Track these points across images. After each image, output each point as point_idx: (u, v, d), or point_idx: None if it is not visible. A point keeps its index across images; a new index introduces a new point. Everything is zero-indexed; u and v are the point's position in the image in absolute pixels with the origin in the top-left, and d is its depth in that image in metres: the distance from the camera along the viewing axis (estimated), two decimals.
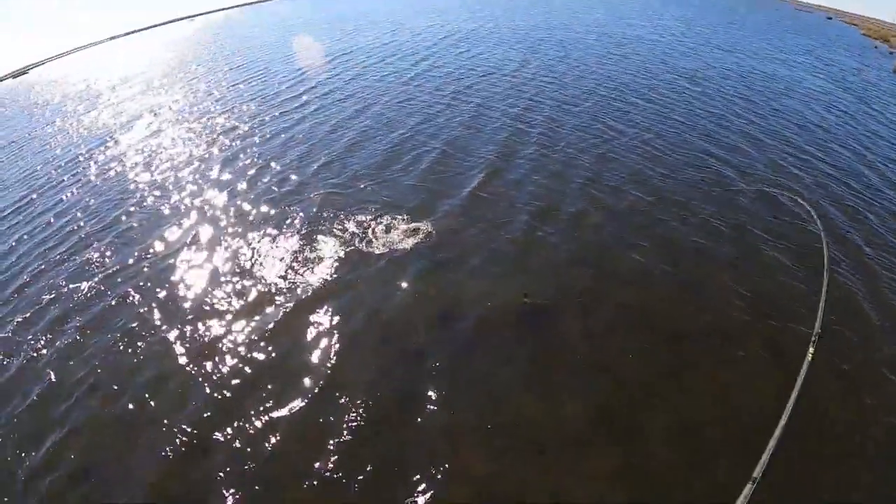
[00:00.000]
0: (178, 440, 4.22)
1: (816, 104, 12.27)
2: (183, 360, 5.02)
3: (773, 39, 21.19)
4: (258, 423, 4.30)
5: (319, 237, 6.60)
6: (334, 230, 6.72)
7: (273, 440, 4.15)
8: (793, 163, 8.96)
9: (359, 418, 4.26)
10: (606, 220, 6.80)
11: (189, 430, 4.30)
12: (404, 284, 5.70)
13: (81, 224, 7.88)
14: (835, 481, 3.83)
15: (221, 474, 3.92)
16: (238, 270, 6.20)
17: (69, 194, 9.00)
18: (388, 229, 6.64)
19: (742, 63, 15.60)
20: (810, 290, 5.56)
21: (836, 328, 5.10)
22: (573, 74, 13.27)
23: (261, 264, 6.27)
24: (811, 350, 2.06)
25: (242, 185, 8.36)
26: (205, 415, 4.40)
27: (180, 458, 4.09)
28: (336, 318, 5.28)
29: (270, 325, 5.27)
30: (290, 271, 6.03)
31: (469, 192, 7.45)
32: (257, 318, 5.44)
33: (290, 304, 5.52)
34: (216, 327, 5.36)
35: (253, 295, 5.75)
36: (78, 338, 5.47)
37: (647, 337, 4.93)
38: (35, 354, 5.35)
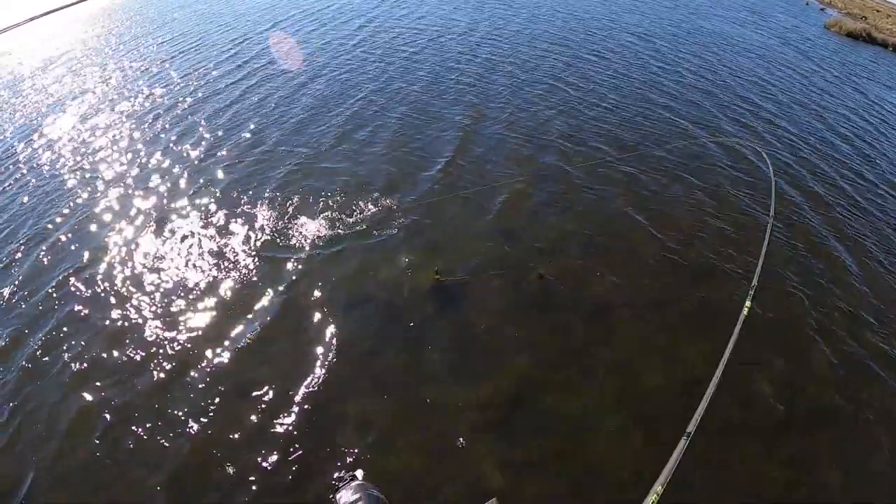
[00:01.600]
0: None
1: (761, 59, 12.72)
2: (150, 334, 4.87)
3: None
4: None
5: (276, 218, 6.20)
6: (293, 211, 6.32)
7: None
8: (742, 114, 9.42)
9: (278, 406, 4.16)
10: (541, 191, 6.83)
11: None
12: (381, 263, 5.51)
13: (15, 225, 7.04)
14: (764, 435, 4.12)
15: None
16: (187, 258, 5.79)
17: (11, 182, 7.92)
18: (353, 205, 6.32)
19: (687, 20, 15.80)
20: (752, 242, 5.96)
21: (776, 281, 5.48)
22: (525, 35, 13.01)
23: (203, 252, 5.83)
24: (748, 304, 2.10)
25: (192, 167, 7.62)
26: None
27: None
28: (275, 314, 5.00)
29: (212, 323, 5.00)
30: (233, 258, 5.67)
31: (441, 162, 7.21)
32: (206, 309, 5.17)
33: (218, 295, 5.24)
34: (182, 314, 5.07)
35: (198, 283, 5.40)
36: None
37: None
38: None
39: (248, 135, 8.42)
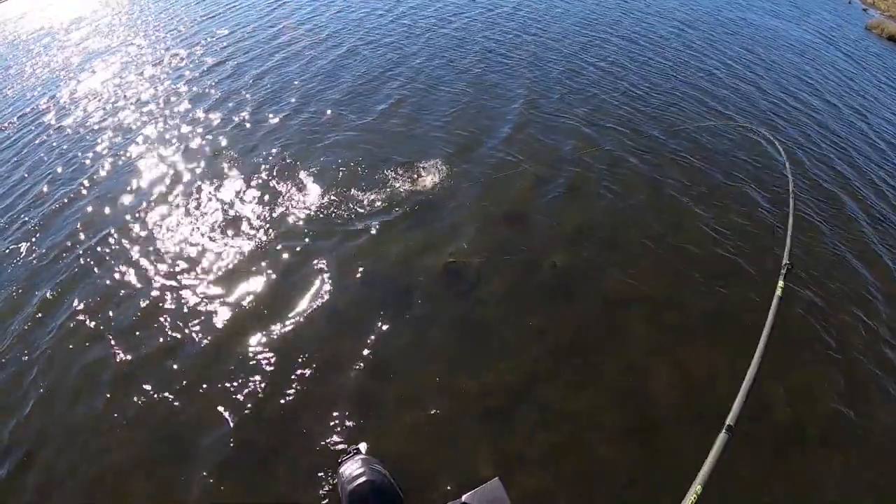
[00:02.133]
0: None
1: (802, 56, 12.22)
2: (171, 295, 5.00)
3: None
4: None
5: (308, 189, 6.23)
6: (327, 184, 6.32)
7: None
8: (776, 110, 9.06)
9: (280, 376, 4.21)
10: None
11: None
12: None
13: (53, 172, 7.14)
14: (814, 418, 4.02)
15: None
16: (203, 220, 5.91)
17: (34, 141, 8.08)
18: (383, 177, 6.31)
19: (728, 8, 15.12)
20: (777, 224, 5.85)
21: (805, 259, 5.34)
22: (554, 13, 12.57)
23: (217, 219, 5.91)
24: (781, 284, 1.94)
25: (217, 125, 7.74)
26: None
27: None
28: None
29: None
30: (245, 228, 5.72)
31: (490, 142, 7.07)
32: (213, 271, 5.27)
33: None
34: (205, 274, 5.21)
35: (214, 248, 5.52)
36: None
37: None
38: None
39: (292, 100, 8.37)
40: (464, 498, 2.18)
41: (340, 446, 3.64)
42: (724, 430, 1.34)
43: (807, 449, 3.94)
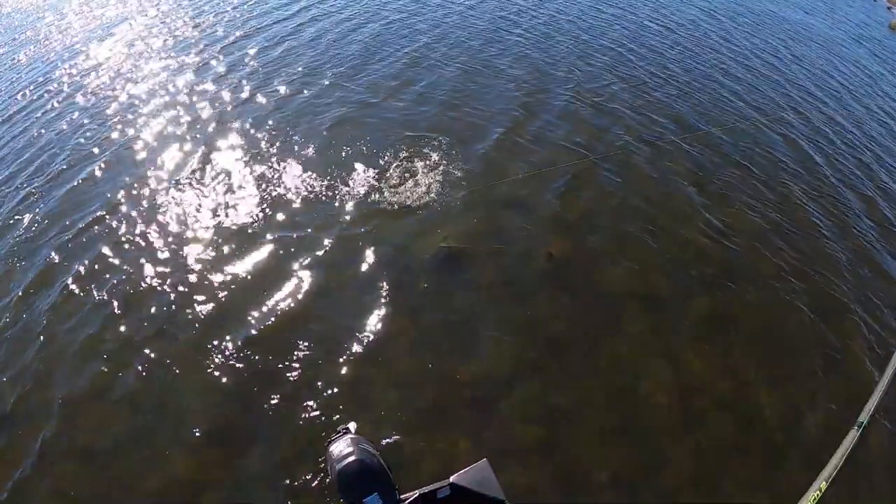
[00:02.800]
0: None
1: (826, 51, 11.92)
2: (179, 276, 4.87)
3: None
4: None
5: (312, 169, 6.01)
6: (328, 163, 6.10)
7: None
8: (802, 105, 8.81)
9: (271, 358, 4.13)
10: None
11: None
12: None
13: (62, 142, 6.81)
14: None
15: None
16: (203, 196, 5.73)
17: (52, 108, 7.67)
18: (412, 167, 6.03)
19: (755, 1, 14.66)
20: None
21: None
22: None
23: (214, 197, 5.71)
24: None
25: (237, 104, 7.40)
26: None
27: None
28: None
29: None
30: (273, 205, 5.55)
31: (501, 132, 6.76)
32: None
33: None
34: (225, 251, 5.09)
35: (211, 227, 5.38)
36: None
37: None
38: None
39: (300, 69, 8.14)
40: (452, 479, 2.24)
41: (328, 428, 3.53)
42: (854, 427, 1.05)
43: None
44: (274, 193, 5.64)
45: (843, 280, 5.18)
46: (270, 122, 6.82)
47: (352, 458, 2.10)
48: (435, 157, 6.13)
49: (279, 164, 6.04)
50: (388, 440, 3.54)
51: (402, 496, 2.18)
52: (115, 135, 6.80)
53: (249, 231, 5.19)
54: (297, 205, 5.51)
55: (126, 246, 5.10)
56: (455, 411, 3.83)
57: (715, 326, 4.62)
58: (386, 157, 6.11)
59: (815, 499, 0.92)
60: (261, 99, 7.42)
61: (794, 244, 5.58)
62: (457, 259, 4.93)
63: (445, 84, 7.80)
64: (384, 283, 4.69)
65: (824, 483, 0.92)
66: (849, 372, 3.97)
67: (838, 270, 5.32)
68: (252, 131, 6.65)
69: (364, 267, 4.86)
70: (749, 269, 5.22)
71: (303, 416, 3.74)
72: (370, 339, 4.24)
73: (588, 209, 5.70)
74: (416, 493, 2.22)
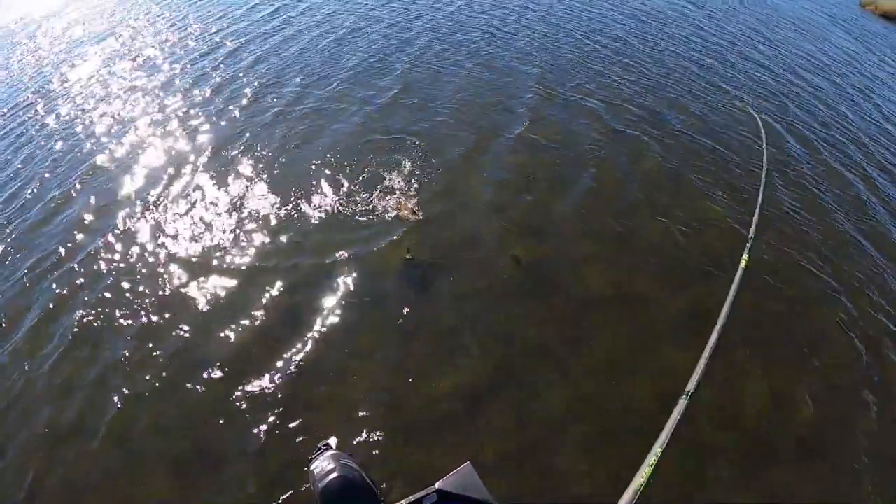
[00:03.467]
0: None
1: (804, 32, 12.00)
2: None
3: None
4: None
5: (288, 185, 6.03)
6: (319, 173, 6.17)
7: None
8: (780, 88, 8.85)
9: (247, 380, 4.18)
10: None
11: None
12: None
13: (48, 163, 6.99)
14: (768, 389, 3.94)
15: None
16: (182, 212, 5.80)
17: (23, 136, 7.80)
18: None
19: None
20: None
21: (772, 233, 5.19)
22: None
23: (192, 213, 5.78)
24: (745, 256, 1.89)
25: (221, 121, 7.44)
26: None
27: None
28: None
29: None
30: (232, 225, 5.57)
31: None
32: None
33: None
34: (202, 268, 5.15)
35: (180, 249, 5.42)
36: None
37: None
38: None
39: (270, 81, 8.21)
40: (437, 485, 2.14)
41: (312, 443, 3.52)
42: (683, 396, 1.28)
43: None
44: (244, 214, 5.67)
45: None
46: (241, 139, 6.80)
47: (333, 476, 2.01)
48: (403, 166, 6.14)
49: (249, 184, 6.06)
50: (370, 453, 3.59)
51: None
52: (84, 160, 6.86)
53: (219, 253, 5.22)
54: (266, 224, 5.54)
55: (97, 273, 5.15)
56: (435, 422, 3.84)
57: (691, 324, 4.49)
58: (353, 170, 6.10)
59: (652, 464, 1.11)
60: (232, 113, 7.42)
61: (774, 232, 5.58)
62: (423, 271, 4.92)
63: (415, 88, 7.85)
64: (353, 300, 4.70)
65: (659, 449, 1.11)
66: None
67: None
68: (223, 150, 6.65)
69: (331, 285, 4.86)
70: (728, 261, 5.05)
71: (278, 437, 3.77)
72: (342, 356, 4.26)
73: (554, 210, 5.67)
74: None
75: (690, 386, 1.34)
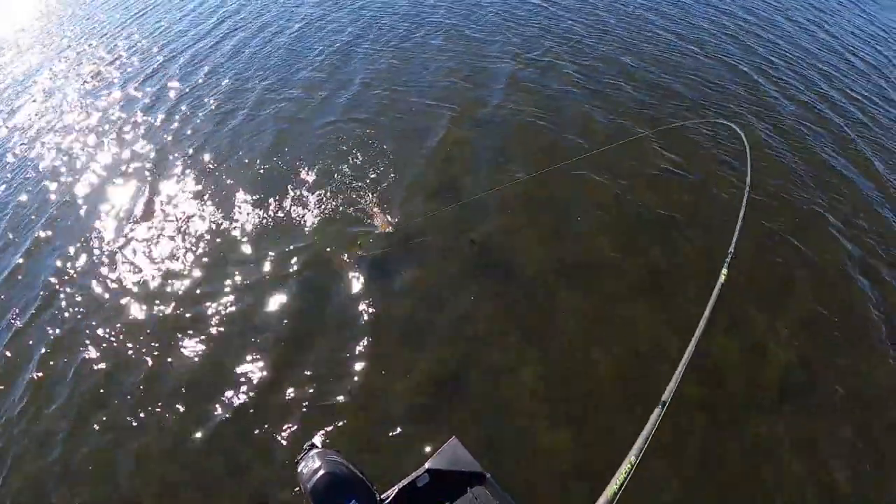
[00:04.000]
0: None
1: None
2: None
3: None
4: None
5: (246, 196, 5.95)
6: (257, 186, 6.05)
7: None
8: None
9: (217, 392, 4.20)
10: None
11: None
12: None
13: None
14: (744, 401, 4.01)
15: None
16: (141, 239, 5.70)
17: None
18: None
19: None
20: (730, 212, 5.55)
21: (752, 249, 5.13)
22: None
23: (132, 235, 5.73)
24: (724, 271, 2.01)
25: (171, 132, 7.31)
26: None
27: None
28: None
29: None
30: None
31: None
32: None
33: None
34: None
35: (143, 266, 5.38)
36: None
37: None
38: None
39: (226, 89, 8.03)
40: (427, 465, 2.20)
41: (297, 444, 3.54)
42: (659, 406, 1.40)
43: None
44: (209, 234, 5.58)
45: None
46: (201, 156, 6.66)
47: (321, 473, 2.02)
48: (362, 161, 6.10)
49: (211, 198, 5.95)
50: (355, 447, 3.62)
51: (381, 496, 2.10)
52: (40, 195, 6.66)
53: (186, 277, 5.16)
54: (232, 238, 5.48)
55: (70, 311, 5.06)
56: (415, 409, 3.89)
57: (653, 295, 4.60)
58: (316, 173, 6.02)
59: (626, 471, 1.21)
60: (190, 130, 7.26)
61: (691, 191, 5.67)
62: (377, 264, 4.92)
63: (378, 79, 7.78)
64: (314, 303, 4.70)
65: (634, 457, 1.20)
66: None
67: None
68: (185, 169, 6.51)
69: (290, 292, 4.84)
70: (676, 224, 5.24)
71: (260, 447, 3.78)
72: (298, 367, 4.25)
73: (508, 188, 5.57)
74: (396, 489, 2.16)
75: (666, 396, 1.44)
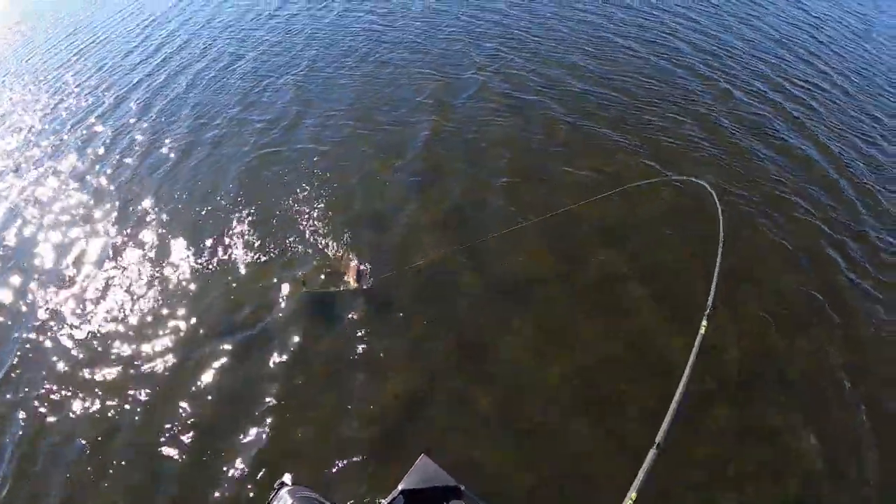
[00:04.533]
0: None
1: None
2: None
3: None
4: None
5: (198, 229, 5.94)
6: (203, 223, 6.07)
7: None
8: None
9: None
10: None
11: None
12: None
13: None
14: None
15: None
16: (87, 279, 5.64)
17: None
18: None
19: None
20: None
21: (731, 299, 5.09)
22: None
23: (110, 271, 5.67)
24: (704, 323, 2.11)
25: (130, 175, 7.18)
26: None
27: None
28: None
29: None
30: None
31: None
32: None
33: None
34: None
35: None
36: None
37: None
38: None
39: (186, 125, 7.98)
40: (401, 486, 2.15)
41: (269, 483, 3.42)
42: (654, 447, 1.42)
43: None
44: (151, 275, 5.52)
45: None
46: (142, 197, 6.66)
47: None
48: (324, 193, 6.16)
49: (159, 243, 5.90)
50: (327, 481, 3.60)
51: None
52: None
53: (138, 323, 5.09)
54: (175, 285, 5.42)
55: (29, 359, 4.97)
56: (382, 437, 3.91)
57: (600, 298, 4.71)
58: (251, 215, 6.04)
59: None
60: (128, 171, 7.22)
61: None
62: (321, 302, 4.87)
63: (313, 103, 7.96)
64: (246, 353, 4.64)
65: (634, 493, 1.24)
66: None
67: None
68: (125, 213, 6.48)
69: (246, 335, 4.80)
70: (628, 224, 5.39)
71: (237, 487, 3.72)
72: (250, 418, 4.19)
73: (454, 207, 5.75)
74: None
75: (660, 437, 1.48)
